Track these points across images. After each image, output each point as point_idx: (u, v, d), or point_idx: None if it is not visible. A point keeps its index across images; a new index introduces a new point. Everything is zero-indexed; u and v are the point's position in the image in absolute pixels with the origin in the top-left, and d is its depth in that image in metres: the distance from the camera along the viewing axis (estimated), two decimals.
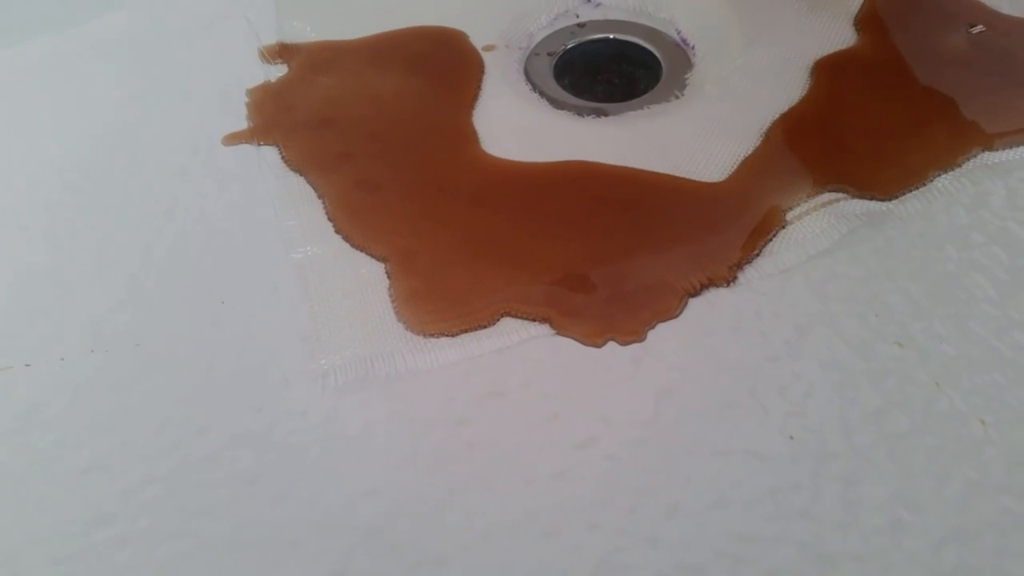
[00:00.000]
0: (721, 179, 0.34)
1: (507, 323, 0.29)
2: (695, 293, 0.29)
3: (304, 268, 0.31)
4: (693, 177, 0.34)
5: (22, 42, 0.41)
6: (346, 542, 0.24)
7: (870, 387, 0.27)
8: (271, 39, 0.41)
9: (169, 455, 0.26)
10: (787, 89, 0.38)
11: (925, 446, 0.26)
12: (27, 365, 0.29)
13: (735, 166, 0.34)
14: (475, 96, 0.38)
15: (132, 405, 0.28)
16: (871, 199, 0.32)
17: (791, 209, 0.32)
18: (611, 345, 0.28)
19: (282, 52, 0.40)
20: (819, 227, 0.31)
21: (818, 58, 0.39)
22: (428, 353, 0.29)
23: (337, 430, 0.27)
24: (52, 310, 0.30)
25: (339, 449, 0.26)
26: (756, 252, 0.31)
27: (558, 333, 0.29)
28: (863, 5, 0.41)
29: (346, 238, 0.32)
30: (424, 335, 0.29)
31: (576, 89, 0.41)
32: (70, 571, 0.24)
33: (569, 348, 0.28)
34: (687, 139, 0.36)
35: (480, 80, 0.39)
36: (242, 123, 0.37)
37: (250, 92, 0.38)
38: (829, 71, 0.38)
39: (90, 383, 0.28)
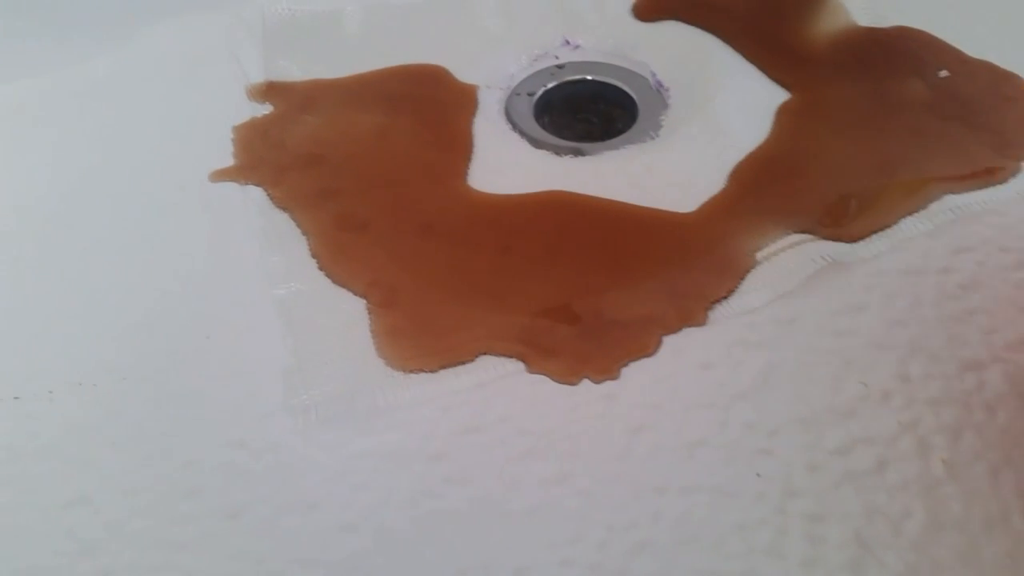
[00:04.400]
0: (692, 215, 0.35)
1: (486, 359, 0.30)
2: (670, 332, 0.30)
3: (287, 304, 0.32)
4: None
5: (13, 79, 0.42)
6: None
7: (835, 426, 0.28)
8: (259, 77, 0.41)
9: (153, 488, 0.27)
10: (756, 131, 0.39)
11: (887, 485, 0.26)
12: (16, 398, 0.29)
13: (704, 204, 0.35)
14: (468, 131, 0.39)
15: (118, 439, 0.28)
16: (837, 240, 0.33)
17: (760, 249, 0.33)
18: (586, 382, 0.29)
19: (269, 90, 0.41)
20: (787, 268, 0.32)
21: (784, 101, 0.40)
22: (407, 389, 0.29)
23: (317, 464, 0.27)
24: (41, 343, 0.31)
25: (319, 484, 0.27)
26: (729, 292, 0.31)
27: (532, 371, 0.29)
28: (827, 47, 0.43)
29: (328, 275, 0.33)
30: (404, 371, 0.30)
31: (556, 128, 0.43)
32: None
33: (545, 384, 0.29)
34: (661, 178, 0.37)
35: (472, 117, 0.40)
36: (229, 160, 0.37)
37: (236, 130, 0.39)
38: (794, 114, 0.39)
39: (77, 417, 0.29)
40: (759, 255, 0.33)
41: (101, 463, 0.28)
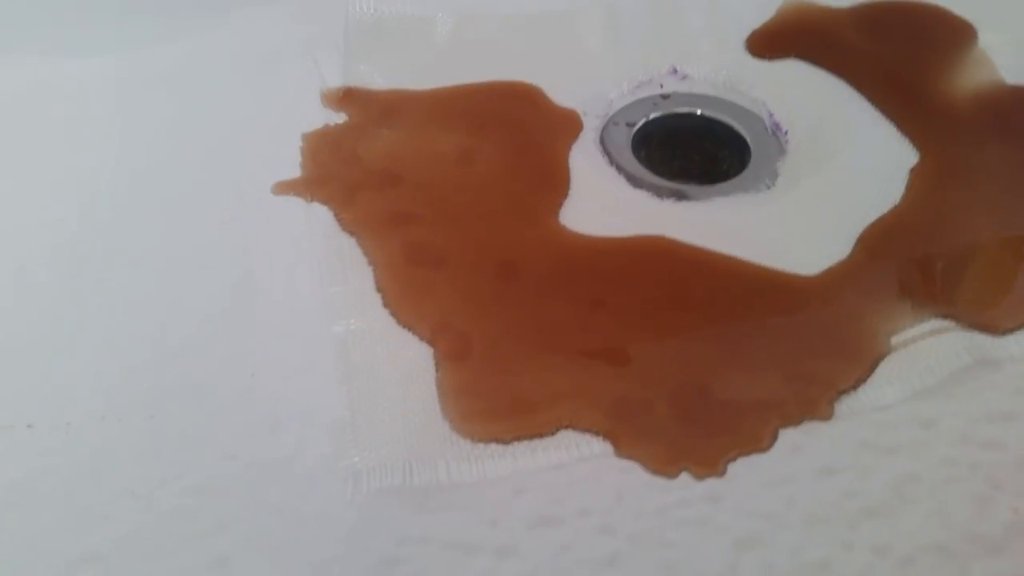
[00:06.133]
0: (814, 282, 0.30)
1: (567, 435, 0.26)
2: (788, 424, 0.26)
3: (345, 344, 0.28)
4: None
5: (73, 59, 0.39)
6: None
7: (981, 559, 0.23)
8: (336, 81, 0.38)
9: (174, 555, 0.23)
10: (886, 193, 0.34)
11: None
12: (29, 426, 0.26)
13: (828, 271, 0.31)
14: (564, 162, 0.35)
15: (138, 490, 0.24)
16: (983, 331, 0.29)
17: (894, 334, 0.28)
18: (685, 475, 0.25)
19: (345, 97, 0.37)
20: (925, 359, 0.28)
21: (918, 161, 0.35)
22: (475, 462, 0.25)
23: (364, 547, 0.23)
24: (64, 368, 0.27)
25: (364, 571, 0.23)
26: (858, 382, 0.27)
27: (621, 455, 0.25)
28: (969, 104, 0.38)
29: (394, 314, 0.29)
30: (472, 439, 0.26)
31: (651, 163, 0.38)
32: None
33: (636, 473, 0.25)
34: (777, 235, 0.33)
35: (570, 146, 0.36)
36: (296, 171, 0.34)
37: (306, 138, 0.35)
38: (930, 178, 0.35)
39: (96, 456, 0.25)
40: (893, 341, 0.28)
41: (117, 517, 0.24)
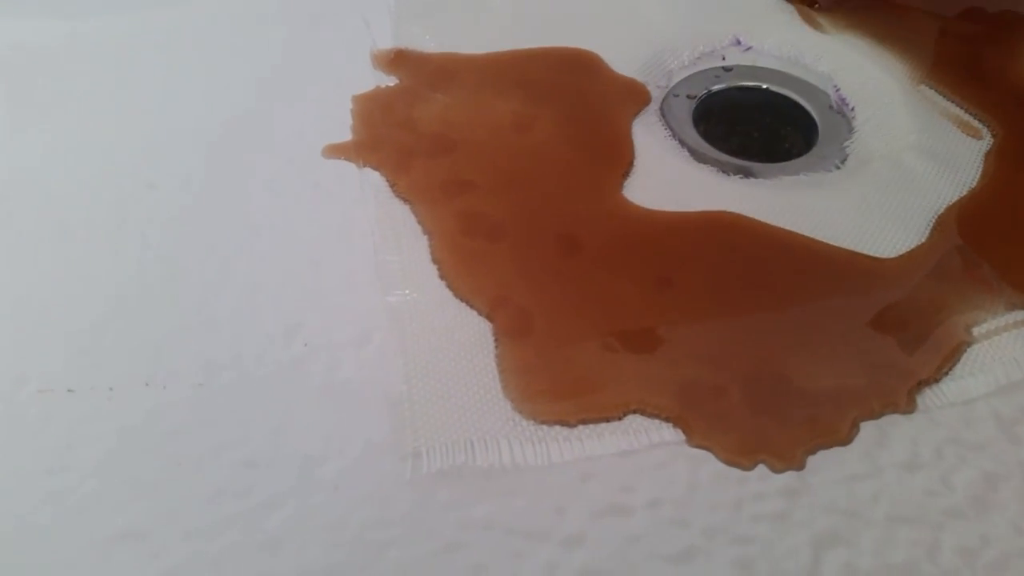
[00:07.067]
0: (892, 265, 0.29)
1: (636, 419, 0.24)
2: (868, 416, 0.24)
3: (401, 315, 0.27)
4: None
5: (105, 14, 0.37)
6: None
7: None
8: (387, 43, 0.36)
9: (221, 532, 0.22)
10: (962, 176, 0.33)
11: None
12: (70, 391, 0.25)
13: (906, 255, 0.29)
14: (627, 133, 0.33)
15: (184, 461, 0.23)
16: None
17: (976, 324, 0.27)
18: (762, 467, 0.23)
19: (397, 59, 0.36)
20: (1008, 352, 0.26)
21: (994, 143, 0.34)
22: (539, 444, 0.24)
23: (424, 531, 0.22)
24: (106, 331, 0.26)
25: (425, 555, 0.22)
26: (939, 373, 0.25)
27: (694, 445, 0.24)
28: None
29: (450, 286, 0.28)
30: (535, 420, 0.24)
31: (710, 137, 0.37)
32: None
33: (709, 462, 0.24)
34: (848, 216, 0.31)
35: (634, 117, 0.34)
36: (346, 134, 0.32)
37: (356, 100, 0.34)
38: (1007, 160, 0.33)
39: (139, 424, 0.24)
40: (975, 331, 0.27)
41: (162, 490, 0.23)
